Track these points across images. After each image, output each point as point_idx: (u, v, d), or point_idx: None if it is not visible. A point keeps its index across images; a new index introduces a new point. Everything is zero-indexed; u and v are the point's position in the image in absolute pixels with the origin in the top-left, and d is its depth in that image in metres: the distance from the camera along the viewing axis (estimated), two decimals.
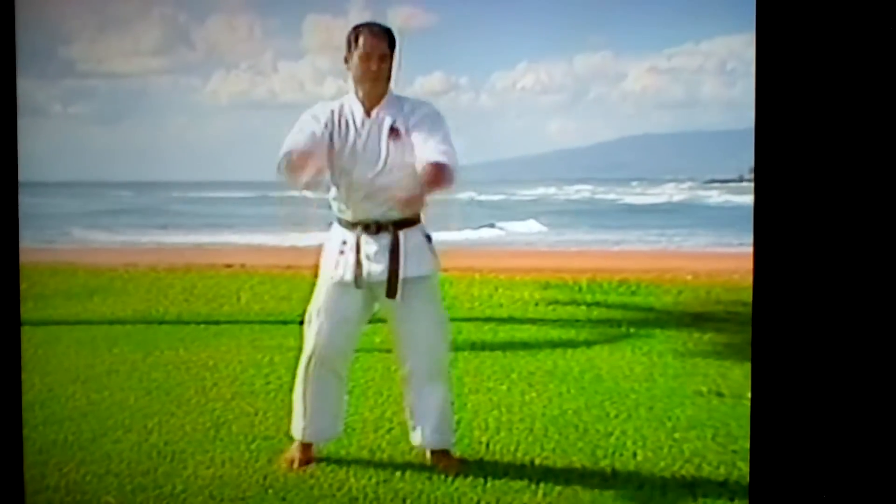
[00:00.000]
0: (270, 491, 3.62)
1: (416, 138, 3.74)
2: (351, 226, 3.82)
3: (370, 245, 3.78)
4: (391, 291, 3.77)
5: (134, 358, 5.82)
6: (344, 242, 3.82)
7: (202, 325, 7.03)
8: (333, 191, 3.85)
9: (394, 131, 3.77)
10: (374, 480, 3.71)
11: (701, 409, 4.69)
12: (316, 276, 3.91)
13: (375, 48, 3.74)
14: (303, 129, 3.78)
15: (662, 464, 3.90)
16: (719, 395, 4.92)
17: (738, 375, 5.32)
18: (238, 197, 32.27)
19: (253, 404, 4.74)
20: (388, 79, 3.82)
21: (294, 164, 3.64)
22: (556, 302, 8.03)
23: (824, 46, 2.78)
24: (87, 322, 7.07)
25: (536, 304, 7.88)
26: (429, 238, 3.88)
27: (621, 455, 4.01)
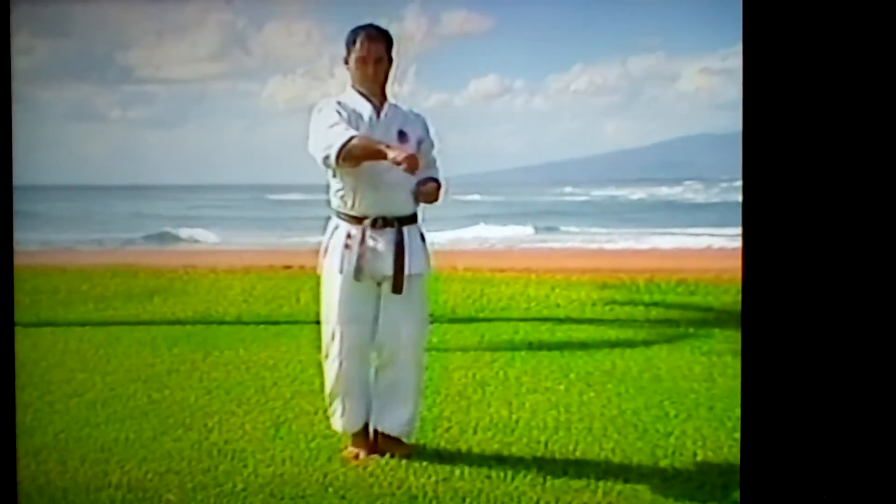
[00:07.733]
0: (331, 489, 3.63)
1: (425, 151, 3.96)
2: (356, 220, 3.90)
3: (375, 240, 3.88)
4: (397, 287, 3.88)
5: (194, 357, 5.87)
6: (349, 236, 3.90)
7: (262, 326, 7.07)
8: (337, 184, 3.92)
9: (402, 134, 3.91)
10: (433, 479, 3.71)
11: None
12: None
13: (371, 51, 3.90)
14: (339, 122, 3.86)
15: (724, 464, 3.86)
16: None
17: None
18: (296, 199, 32.46)
19: (313, 403, 4.75)
20: (385, 82, 3.95)
21: (355, 148, 3.77)
22: (614, 302, 7.96)
23: (811, 50, 2.80)
24: (147, 323, 7.15)
25: (594, 305, 7.82)
26: (423, 237, 4.00)
27: (681, 455, 3.99)
